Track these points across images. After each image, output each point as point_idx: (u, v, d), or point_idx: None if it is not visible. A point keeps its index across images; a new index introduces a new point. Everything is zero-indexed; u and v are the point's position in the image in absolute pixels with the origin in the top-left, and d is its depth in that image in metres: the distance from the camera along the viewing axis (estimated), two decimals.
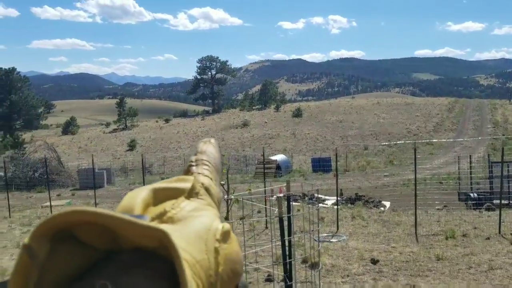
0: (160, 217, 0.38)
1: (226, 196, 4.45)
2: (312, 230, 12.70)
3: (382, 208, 17.86)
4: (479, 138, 38.00)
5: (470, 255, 8.53)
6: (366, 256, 8.76)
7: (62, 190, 28.55)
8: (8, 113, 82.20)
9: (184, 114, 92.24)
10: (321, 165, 32.45)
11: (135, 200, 0.39)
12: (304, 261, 8.65)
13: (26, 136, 64.38)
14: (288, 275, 4.28)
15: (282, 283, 5.24)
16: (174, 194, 0.42)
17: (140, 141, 58.94)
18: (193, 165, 0.50)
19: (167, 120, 77.24)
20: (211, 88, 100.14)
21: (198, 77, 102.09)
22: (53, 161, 32.53)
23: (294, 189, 26.35)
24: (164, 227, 0.34)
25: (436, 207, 16.66)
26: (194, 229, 0.37)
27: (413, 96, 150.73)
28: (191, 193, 0.43)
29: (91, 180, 29.02)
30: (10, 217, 16.80)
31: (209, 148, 0.51)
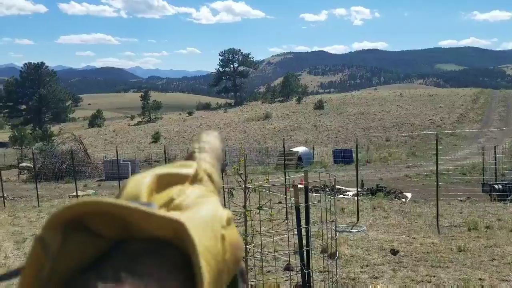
0: (168, 204, 0.38)
1: (244, 186, 4.55)
2: (332, 221, 12.78)
3: (403, 200, 17.73)
4: (504, 128, 37.12)
5: (494, 247, 8.45)
6: (386, 247, 8.78)
7: (88, 181, 29.22)
8: (37, 106, 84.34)
9: (207, 107, 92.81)
10: (342, 157, 32.33)
11: (140, 186, 0.39)
12: (323, 251, 8.73)
13: (55, 128, 66.01)
14: (305, 264, 4.37)
15: (307, 272, 5.36)
16: (177, 180, 0.42)
17: (164, 133, 59.67)
18: (196, 152, 0.50)
19: (190, 113, 77.92)
20: (234, 80, 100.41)
21: (221, 70, 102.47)
22: (80, 152, 33.28)
23: (316, 179, 26.29)
24: (180, 217, 0.34)
25: (459, 199, 16.44)
26: (202, 216, 0.37)
27: (436, 88, 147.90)
28: (195, 179, 0.43)
29: (116, 171, 29.71)
30: (39, 206, 17.38)
31: (211, 138, 0.53)
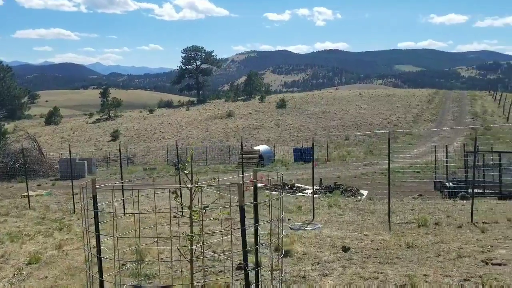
0: None
1: (189, 185, 4.47)
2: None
3: (359, 197, 18.09)
4: (454, 128, 38.57)
5: (440, 243, 8.72)
6: (338, 244, 8.91)
7: (43, 180, 28.25)
8: None
9: (168, 104, 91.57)
10: (302, 155, 32.73)
11: None
12: (277, 249, 8.76)
13: (9, 126, 63.28)
14: (246, 264, 4.34)
15: (254, 271, 5.33)
16: None
17: (124, 131, 58.44)
18: None
19: (151, 111, 76.66)
20: (196, 78, 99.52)
21: (183, 67, 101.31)
22: (34, 151, 32.11)
23: (273, 178, 26.28)
24: None
25: (412, 196, 16.94)
26: None
27: (394, 88, 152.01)
28: None
29: (72, 170, 28.79)
30: None
31: None
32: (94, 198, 4.92)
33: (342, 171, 27.26)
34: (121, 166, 15.07)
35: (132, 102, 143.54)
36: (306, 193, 19.37)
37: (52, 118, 74.74)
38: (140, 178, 21.85)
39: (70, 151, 17.19)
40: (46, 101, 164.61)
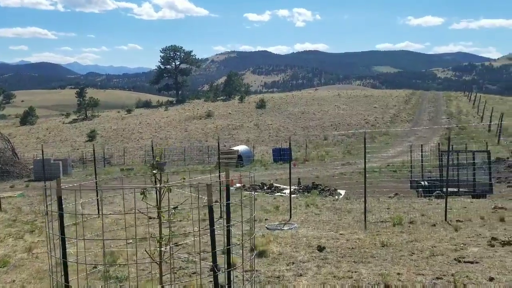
0: None
1: (158, 185, 4.36)
2: (266, 219, 12.79)
3: (337, 197, 18.18)
4: (429, 127, 39.20)
5: (414, 242, 8.77)
6: (313, 244, 8.88)
7: (16, 182, 27.55)
8: None
9: (147, 104, 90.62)
10: (281, 156, 32.75)
11: None
12: (252, 249, 8.69)
13: None
14: (215, 265, 4.25)
15: (227, 272, 5.24)
16: None
17: (101, 131, 57.59)
18: None
19: (129, 111, 75.78)
20: (175, 78, 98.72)
21: (162, 67, 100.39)
22: (7, 152, 31.31)
23: (256, 178, 26.18)
24: None
25: (388, 195, 17.08)
26: None
27: (372, 89, 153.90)
28: None
29: (46, 171, 28.16)
30: None
31: None
32: (59, 200, 4.75)
33: (320, 171, 27.39)
34: (95, 167, 14.78)
35: (110, 102, 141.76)
36: (285, 193, 19.36)
37: (27, 118, 73.21)
38: (115, 178, 21.51)
39: (43, 151, 16.81)
40: (22, 101, 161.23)
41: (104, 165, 38.06)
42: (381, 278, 6.30)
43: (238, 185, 22.51)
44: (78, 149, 45.90)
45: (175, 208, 4.57)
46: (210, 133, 51.14)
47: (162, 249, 4.59)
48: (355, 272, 6.80)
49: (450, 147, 25.08)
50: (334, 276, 6.64)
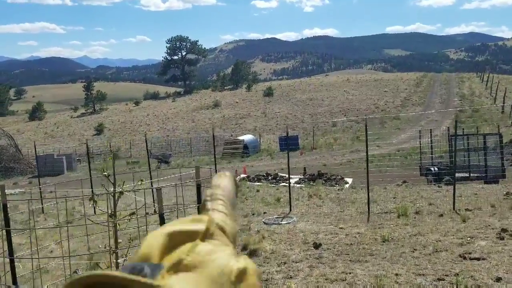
0: (177, 266, 0.40)
1: (111, 189, 3.80)
2: (265, 213, 12.23)
3: (344, 185, 17.58)
4: (441, 110, 38.14)
5: (418, 235, 8.16)
6: (310, 240, 8.32)
7: (20, 178, 27.42)
8: None
9: (155, 96, 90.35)
10: (288, 144, 32.06)
11: (152, 247, 0.41)
12: (244, 248, 8.17)
13: None
14: None
15: None
16: (189, 237, 0.43)
17: (108, 125, 57.42)
18: (208, 200, 0.51)
19: (137, 103, 75.52)
20: (182, 69, 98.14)
21: (169, 58, 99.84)
22: (11, 148, 31.21)
23: (260, 168, 25.76)
24: (179, 281, 0.36)
25: (396, 183, 16.40)
26: (209, 275, 0.38)
27: (383, 72, 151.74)
28: (206, 235, 0.44)
29: (49, 167, 27.99)
30: None
31: (224, 182, 0.53)
32: (4, 208, 4.25)
33: (328, 158, 26.74)
34: (89, 163, 14.34)
35: (121, 95, 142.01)
36: (290, 183, 18.77)
37: (36, 113, 73.38)
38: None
39: (35, 147, 16.43)
40: (33, 96, 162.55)
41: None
42: (378, 280, 5.71)
43: (242, 175, 22.02)
44: (85, 143, 45.72)
45: (132, 214, 4.03)
46: (217, 123, 50.62)
47: (119, 261, 4.06)
48: (350, 273, 6.23)
49: (462, 130, 24.27)
50: (326, 279, 6.07)
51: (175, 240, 0.42)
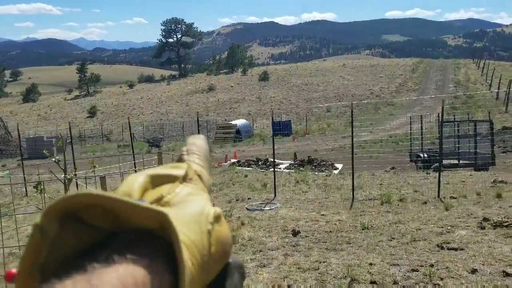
0: (158, 201, 0.40)
1: (63, 175, 3.59)
2: (249, 198, 12.07)
3: (334, 171, 17.43)
4: (433, 96, 37.86)
5: (398, 223, 8.01)
6: (289, 227, 8.16)
7: (9, 160, 27.16)
8: None
9: (149, 79, 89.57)
10: (281, 129, 31.87)
11: (133, 185, 0.42)
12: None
13: None
14: None
15: None
16: (169, 180, 0.44)
17: (102, 107, 57.00)
18: (184, 154, 0.52)
19: (131, 86, 74.87)
20: (177, 52, 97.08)
21: (164, 40, 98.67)
22: (0, 130, 30.88)
23: (251, 153, 25.57)
24: (164, 209, 0.37)
25: (385, 169, 16.25)
26: (189, 212, 0.40)
27: (380, 58, 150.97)
28: (185, 179, 0.45)
29: (39, 149, 27.68)
30: None
31: (198, 141, 0.54)
32: None
33: (320, 144, 26.58)
34: (72, 146, 14.10)
35: (116, 78, 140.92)
36: (280, 168, 18.65)
37: (30, 95, 72.70)
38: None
39: (18, 129, 16.13)
40: (29, 78, 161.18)
41: (102, 142, 37.58)
42: (349, 270, 5.55)
43: (233, 160, 21.87)
44: (78, 126, 45.40)
45: None
46: (212, 107, 50.28)
47: None
48: (324, 262, 6.06)
49: (453, 117, 24.08)
50: (299, 268, 5.91)
51: (156, 182, 0.43)
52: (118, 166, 5.86)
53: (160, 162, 4.38)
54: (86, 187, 4.01)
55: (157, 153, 4.35)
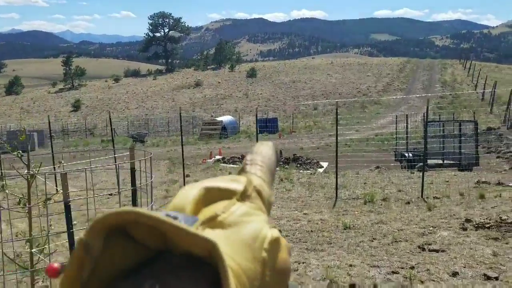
0: (211, 220, 0.38)
1: (26, 171, 3.36)
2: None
3: (319, 170, 17.33)
4: (418, 96, 38.02)
5: (380, 223, 7.90)
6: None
7: None
8: None
9: (136, 73, 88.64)
10: (267, 126, 31.71)
11: (187, 199, 0.39)
12: None
13: None
14: None
15: None
16: (226, 195, 0.42)
17: (86, 101, 56.20)
18: (247, 164, 0.50)
19: (116, 80, 73.99)
20: (164, 46, 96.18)
21: (151, 35, 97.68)
22: None
23: (237, 150, 25.36)
24: (213, 236, 0.34)
25: (369, 168, 16.20)
26: (242, 236, 0.37)
27: (368, 57, 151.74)
28: (243, 196, 0.43)
29: (20, 142, 27.14)
30: None
31: (264, 149, 0.53)
32: None
33: (306, 142, 26.47)
34: (51, 140, 13.76)
35: (102, 71, 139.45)
36: None
37: (13, 88, 71.40)
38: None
39: None
40: (13, 70, 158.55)
41: (86, 136, 37.05)
42: (328, 272, 5.40)
43: (217, 157, 21.66)
44: (61, 119, 44.69)
45: (48, 199, 3.60)
46: (198, 103, 49.91)
47: (34, 250, 3.63)
48: (303, 263, 5.91)
49: (438, 117, 24.17)
50: None
51: (211, 196, 0.40)
52: (89, 162, 5.62)
53: (132, 158, 4.16)
54: (45, 184, 3.83)
55: (129, 148, 4.13)
